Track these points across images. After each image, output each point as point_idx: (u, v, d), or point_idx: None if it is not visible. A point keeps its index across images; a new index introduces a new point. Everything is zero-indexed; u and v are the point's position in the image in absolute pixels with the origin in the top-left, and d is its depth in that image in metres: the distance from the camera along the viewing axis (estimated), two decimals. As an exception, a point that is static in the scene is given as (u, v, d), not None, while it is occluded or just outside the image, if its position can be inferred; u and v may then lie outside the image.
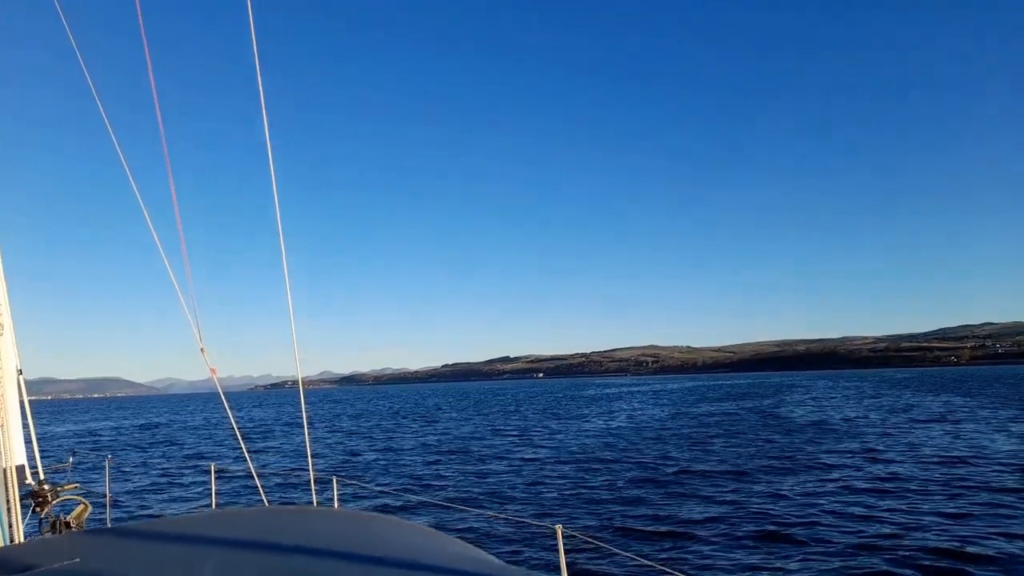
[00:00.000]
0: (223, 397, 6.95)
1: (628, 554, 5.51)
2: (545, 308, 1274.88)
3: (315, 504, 6.16)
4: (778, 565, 10.02)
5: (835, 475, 17.64)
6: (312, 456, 6.75)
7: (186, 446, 34.66)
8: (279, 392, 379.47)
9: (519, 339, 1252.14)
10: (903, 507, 13.54)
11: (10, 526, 4.80)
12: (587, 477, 18.76)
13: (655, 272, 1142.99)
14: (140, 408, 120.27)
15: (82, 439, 42.88)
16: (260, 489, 6.34)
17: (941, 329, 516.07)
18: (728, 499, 14.80)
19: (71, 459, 8.77)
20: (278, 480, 19.40)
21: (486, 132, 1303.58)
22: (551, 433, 33.42)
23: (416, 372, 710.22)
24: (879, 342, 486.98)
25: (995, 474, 16.99)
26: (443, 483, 18.73)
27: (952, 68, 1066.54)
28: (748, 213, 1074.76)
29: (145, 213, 6.15)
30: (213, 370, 6.37)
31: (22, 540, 4.87)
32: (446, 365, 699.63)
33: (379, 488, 16.55)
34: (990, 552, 10.16)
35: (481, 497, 16.52)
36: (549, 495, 16.29)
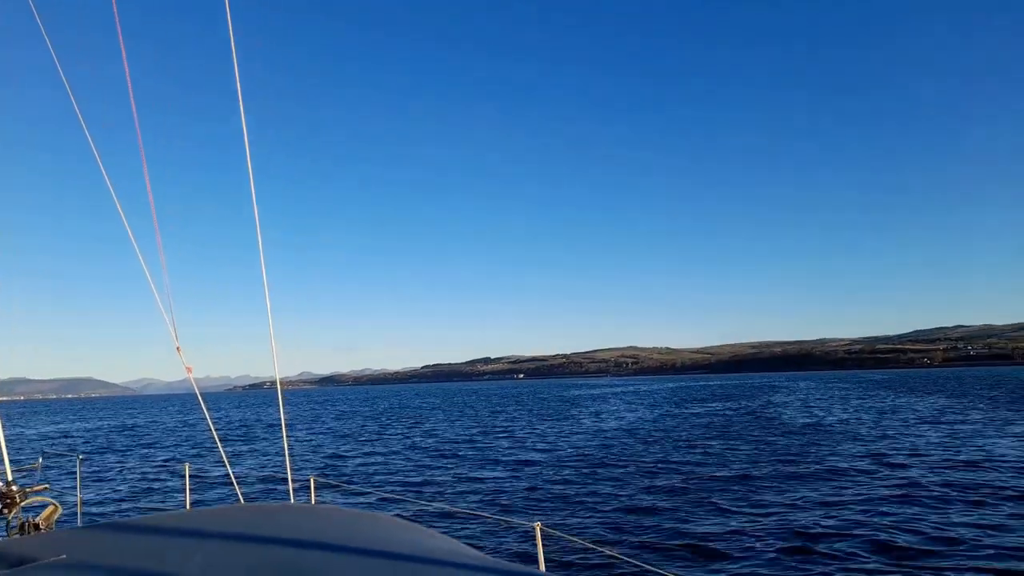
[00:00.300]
0: (200, 397, 6.63)
1: (604, 550, 5.09)
2: (525, 309, 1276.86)
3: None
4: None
5: (847, 481, 16.89)
6: (293, 458, 6.14)
7: (161, 447, 33.24)
8: (258, 393, 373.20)
9: (499, 340, 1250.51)
10: (932, 517, 12.77)
11: None
12: (587, 479, 17.82)
13: (634, 274, 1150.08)
14: (115, 409, 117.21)
15: (54, 440, 41.38)
16: (238, 491, 6.20)
17: (915, 331, 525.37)
18: (742, 509, 13.96)
19: (40, 460, 8.27)
20: (256, 483, 18.78)
21: (467, 130, 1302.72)
22: (542, 435, 32.53)
23: (396, 373, 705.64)
24: (855, 344, 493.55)
25: (1015, 479, 16.35)
26: (427, 486, 17.81)
27: (952, 68, 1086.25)
28: (728, 216, 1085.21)
29: (118, 206, 6.05)
30: (189, 368, 6.08)
31: None
32: (427, 366, 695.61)
33: (355, 488, 16.33)
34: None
35: (467, 497, 15.98)
36: (544, 497, 15.36)
